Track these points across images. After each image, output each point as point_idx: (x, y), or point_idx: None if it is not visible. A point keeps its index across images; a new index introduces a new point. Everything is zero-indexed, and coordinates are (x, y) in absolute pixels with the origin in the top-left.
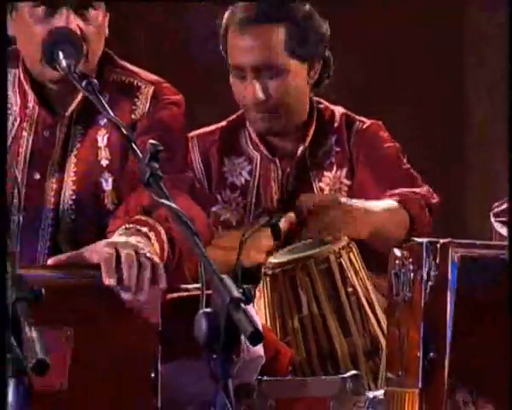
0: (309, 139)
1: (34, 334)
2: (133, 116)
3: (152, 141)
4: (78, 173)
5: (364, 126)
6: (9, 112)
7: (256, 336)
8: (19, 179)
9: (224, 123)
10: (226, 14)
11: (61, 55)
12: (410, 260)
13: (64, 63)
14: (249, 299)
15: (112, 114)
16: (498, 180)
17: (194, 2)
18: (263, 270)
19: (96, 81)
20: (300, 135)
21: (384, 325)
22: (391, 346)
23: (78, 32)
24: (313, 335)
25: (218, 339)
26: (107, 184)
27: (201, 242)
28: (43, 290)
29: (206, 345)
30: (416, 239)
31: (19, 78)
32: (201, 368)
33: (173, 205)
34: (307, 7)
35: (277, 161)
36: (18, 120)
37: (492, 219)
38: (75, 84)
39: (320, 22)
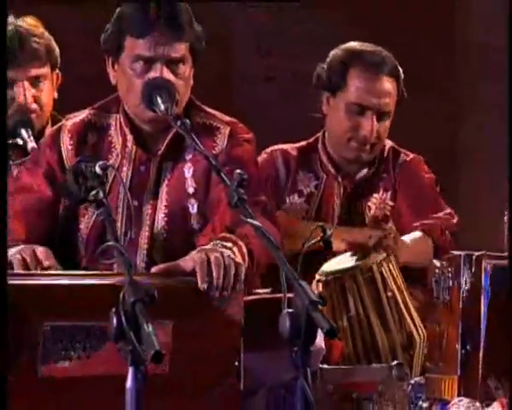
0: (367, 169)
1: (150, 329)
2: (214, 151)
3: (238, 171)
4: (169, 200)
5: (408, 159)
6: (113, 150)
7: (332, 332)
8: (120, 207)
9: (303, 143)
10: (343, 51)
11: (159, 99)
12: (449, 269)
13: (162, 106)
14: (324, 302)
15: (202, 147)
16: None
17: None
18: (317, 277)
19: (188, 121)
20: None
21: (417, 323)
22: (430, 341)
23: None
24: (359, 331)
25: (299, 334)
26: (193, 208)
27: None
28: (155, 293)
29: (289, 339)
30: (454, 252)
31: (120, 121)
32: (276, 358)
33: (257, 223)
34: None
35: (340, 180)
36: (120, 156)
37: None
38: (171, 123)
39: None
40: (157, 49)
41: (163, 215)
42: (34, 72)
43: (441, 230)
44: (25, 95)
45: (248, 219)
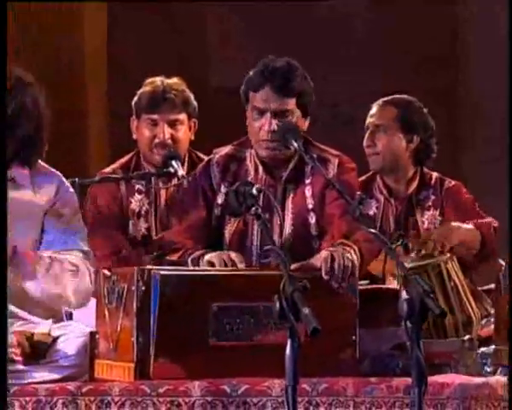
0: (411, 189)
1: (307, 311)
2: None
3: (359, 193)
4: (293, 213)
5: (451, 185)
6: (248, 176)
7: (443, 314)
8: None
9: (368, 175)
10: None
11: (291, 139)
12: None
13: (295, 144)
14: (433, 290)
15: (324, 172)
16: None
17: None
18: (397, 272)
19: (314, 155)
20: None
21: (473, 307)
22: (497, 321)
23: None
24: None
25: (413, 315)
26: (312, 219)
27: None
28: (307, 284)
29: (406, 319)
30: None
31: (253, 155)
32: (377, 334)
33: (374, 231)
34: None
35: (393, 201)
36: (254, 179)
37: None
38: (303, 156)
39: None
40: (267, 103)
41: (290, 224)
42: (172, 116)
43: (489, 227)
44: (163, 133)
45: (369, 229)
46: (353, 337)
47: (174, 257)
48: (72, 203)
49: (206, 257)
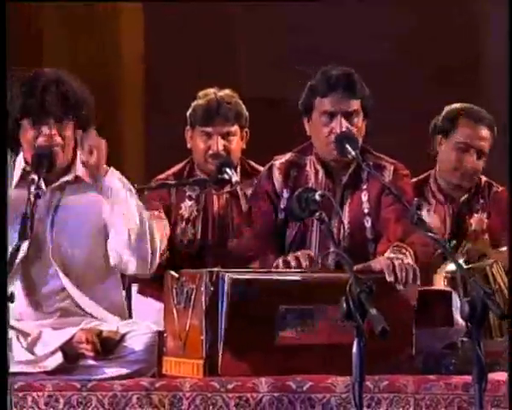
0: (467, 195)
1: (375, 312)
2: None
3: (416, 199)
4: (350, 217)
5: (498, 190)
6: (308, 181)
7: (504, 316)
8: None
9: (420, 178)
10: (455, 108)
11: (349, 147)
12: None
13: (353, 153)
14: (494, 293)
15: (385, 181)
16: None
17: None
18: (444, 274)
19: (370, 162)
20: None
21: None
22: None
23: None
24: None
25: (474, 316)
26: (368, 223)
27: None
28: (373, 287)
29: (467, 320)
30: None
31: (313, 161)
32: (431, 333)
33: (433, 234)
34: None
35: (447, 206)
36: (314, 184)
37: None
38: (359, 162)
39: None
40: (337, 105)
41: (347, 227)
42: (225, 129)
43: None
44: (217, 145)
45: (427, 233)
46: (412, 337)
47: (256, 265)
48: None
49: (285, 258)
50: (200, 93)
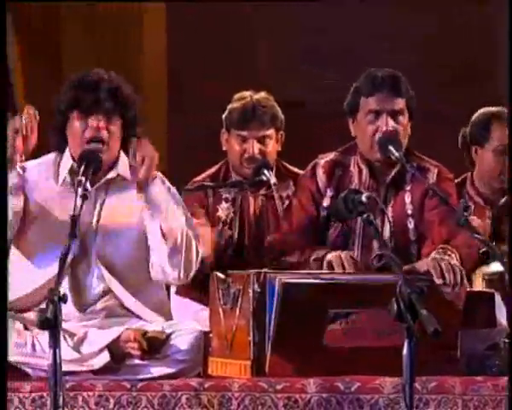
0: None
1: (425, 312)
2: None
3: (463, 200)
4: (393, 217)
5: None
6: (352, 181)
7: None
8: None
9: (458, 180)
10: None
11: (393, 149)
12: None
13: (396, 154)
14: None
15: (431, 184)
16: None
17: None
18: (483, 276)
19: (414, 164)
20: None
21: None
22: None
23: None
24: None
25: None
26: (411, 224)
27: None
28: (425, 288)
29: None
30: None
31: (357, 161)
32: (473, 334)
33: (477, 235)
34: None
35: (488, 208)
36: (357, 187)
37: None
38: (403, 164)
39: None
40: (383, 104)
41: (389, 229)
42: (261, 133)
43: None
44: (252, 148)
45: (474, 234)
46: (457, 339)
47: (293, 258)
48: None
49: (328, 257)
50: (236, 96)
